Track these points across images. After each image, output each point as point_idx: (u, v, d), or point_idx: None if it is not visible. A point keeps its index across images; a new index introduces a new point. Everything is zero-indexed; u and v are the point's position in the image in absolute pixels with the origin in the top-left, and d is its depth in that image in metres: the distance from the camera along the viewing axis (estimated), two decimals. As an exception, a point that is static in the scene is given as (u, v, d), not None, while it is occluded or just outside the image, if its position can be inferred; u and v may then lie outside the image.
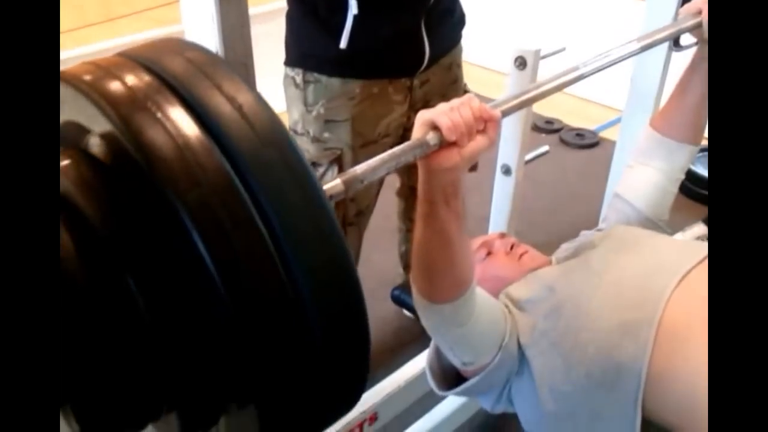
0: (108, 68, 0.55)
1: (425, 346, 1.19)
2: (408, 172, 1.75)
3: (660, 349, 0.97)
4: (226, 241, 0.49)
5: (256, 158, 0.51)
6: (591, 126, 3.41)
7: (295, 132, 1.53)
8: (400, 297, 1.65)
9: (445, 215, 0.88)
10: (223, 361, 0.56)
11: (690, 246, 1.14)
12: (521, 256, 1.25)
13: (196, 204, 0.48)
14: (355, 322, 0.60)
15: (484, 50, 3.68)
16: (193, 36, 1.01)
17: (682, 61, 1.28)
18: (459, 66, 1.65)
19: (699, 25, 1.15)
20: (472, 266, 0.97)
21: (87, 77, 0.55)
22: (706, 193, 2.29)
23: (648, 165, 1.26)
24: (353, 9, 1.36)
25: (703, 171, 2.59)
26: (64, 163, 0.57)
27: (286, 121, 1.55)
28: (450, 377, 1.14)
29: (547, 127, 3.39)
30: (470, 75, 1.72)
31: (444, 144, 0.82)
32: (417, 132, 0.82)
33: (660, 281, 1.03)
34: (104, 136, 0.54)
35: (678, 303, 1.00)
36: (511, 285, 1.18)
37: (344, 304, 0.58)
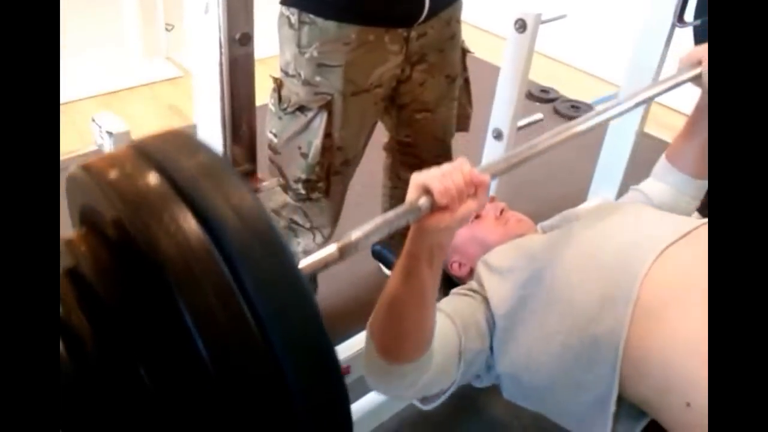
0: (124, 165, 0.63)
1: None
2: (396, 127, 1.71)
3: (637, 326, 0.98)
4: (219, 334, 0.57)
5: (250, 259, 0.59)
6: (587, 99, 3.38)
7: (286, 74, 1.49)
8: (381, 252, 1.64)
9: (426, 274, 0.89)
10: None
11: (674, 220, 1.15)
12: (508, 221, 1.27)
13: (196, 306, 0.57)
14: (338, 415, 0.65)
15: (484, 12, 3.62)
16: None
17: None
18: (458, 22, 1.60)
19: (699, 76, 1.17)
20: (434, 327, 0.97)
21: (109, 175, 0.63)
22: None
23: (662, 182, 1.33)
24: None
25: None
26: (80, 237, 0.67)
27: (278, 62, 1.51)
28: None
29: (542, 96, 3.35)
30: (468, 36, 1.67)
31: (435, 208, 0.83)
32: (410, 195, 0.85)
33: (639, 256, 1.03)
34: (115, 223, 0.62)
35: (654, 280, 1.00)
36: (492, 251, 1.18)
37: (329, 399, 0.63)
